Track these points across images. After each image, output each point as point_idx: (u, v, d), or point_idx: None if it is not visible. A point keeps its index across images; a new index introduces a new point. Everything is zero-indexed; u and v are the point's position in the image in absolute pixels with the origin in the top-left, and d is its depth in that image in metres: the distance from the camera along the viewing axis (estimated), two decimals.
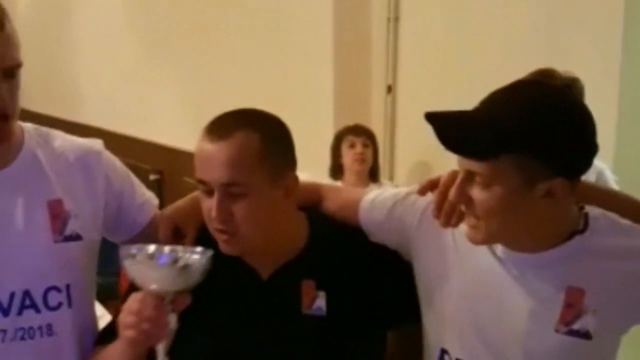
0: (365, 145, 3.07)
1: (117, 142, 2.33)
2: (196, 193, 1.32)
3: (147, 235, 1.37)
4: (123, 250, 1.12)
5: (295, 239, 1.29)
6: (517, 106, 1.08)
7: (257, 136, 1.20)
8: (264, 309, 1.24)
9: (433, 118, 1.09)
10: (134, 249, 1.12)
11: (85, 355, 1.32)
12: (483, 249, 1.21)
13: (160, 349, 1.12)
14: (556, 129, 1.06)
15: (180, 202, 1.39)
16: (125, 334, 1.12)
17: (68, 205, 1.29)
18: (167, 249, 1.13)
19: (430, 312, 1.28)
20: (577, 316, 1.14)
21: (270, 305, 1.25)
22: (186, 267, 1.10)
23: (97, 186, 1.34)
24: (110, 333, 1.27)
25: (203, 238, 1.27)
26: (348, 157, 3.08)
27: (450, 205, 1.18)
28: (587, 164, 1.12)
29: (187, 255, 1.11)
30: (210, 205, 1.20)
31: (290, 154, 1.27)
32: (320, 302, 1.25)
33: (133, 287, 1.28)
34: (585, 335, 1.14)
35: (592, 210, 1.19)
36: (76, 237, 1.29)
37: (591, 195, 1.23)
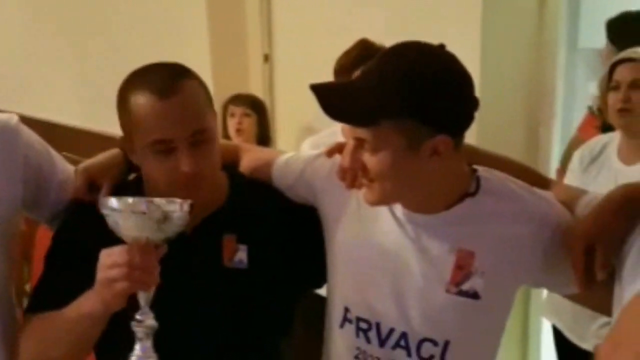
0: (245, 115, 3.00)
1: None
2: (114, 150, 1.33)
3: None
4: (102, 202, 1.10)
5: (217, 195, 1.31)
6: (391, 71, 1.11)
7: (198, 83, 1.24)
8: (186, 262, 1.25)
9: (317, 89, 1.12)
10: (113, 201, 1.10)
11: (10, 345, 1.27)
12: (384, 211, 1.25)
13: (146, 297, 1.12)
14: (429, 88, 1.09)
15: (95, 157, 1.37)
16: (116, 287, 1.09)
17: None
18: (145, 199, 1.12)
19: (334, 271, 1.32)
20: (466, 277, 1.19)
21: (192, 259, 1.27)
22: (167, 216, 1.09)
23: (15, 166, 1.28)
24: (44, 300, 1.24)
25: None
26: (230, 127, 3.04)
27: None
28: (467, 118, 1.15)
29: (166, 204, 1.11)
30: (173, 165, 1.19)
31: None
32: (242, 255, 1.28)
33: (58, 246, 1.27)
34: (474, 295, 1.19)
35: (484, 172, 1.23)
36: None
37: (479, 158, 1.28)
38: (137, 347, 1.11)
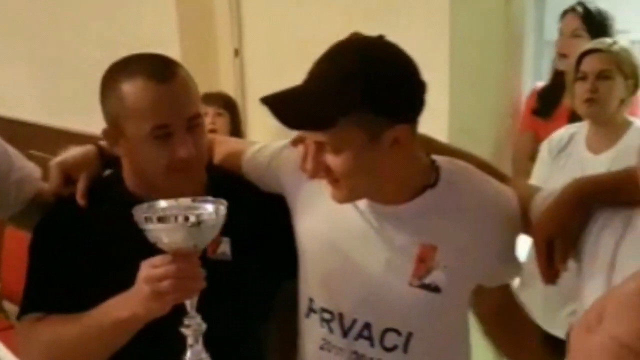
0: (218, 114, 2.90)
1: None
2: (88, 146, 1.32)
3: (37, 206, 1.34)
4: (138, 215, 1.06)
5: (195, 188, 1.30)
6: (340, 70, 1.10)
7: (187, 71, 1.24)
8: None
9: (267, 101, 1.10)
10: (145, 213, 1.06)
11: None
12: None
13: (192, 302, 1.10)
14: (383, 80, 1.09)
15: (71, 152, 1.35)
16: (167, 299, 1.08)
17: None
18: (175, 205, 1.09)
19: (301, 262, 1.33)
20: (428, 271, 1.20)
21: None
22: (208, 223, 1.07)
23: None
24: (43, 300, 1.23)
25: (99, 192, 1.26)
26: None
27: None
28: (420, 103, 1.15)
29: (200, 206, 1.09)
30: (169, 151, 1.19)
31: None
32: (225, 247, 1.29)
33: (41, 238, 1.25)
34: (435, 289, 1.20)
35: (444, 163, 1.24)
36: None
37: (438, 150, 1.29)
38: (189, 353, 1.10)
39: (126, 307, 1.13)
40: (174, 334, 1.10)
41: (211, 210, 1.10)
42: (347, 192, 1.18)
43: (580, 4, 2.57)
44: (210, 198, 1.11)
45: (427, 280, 1.20)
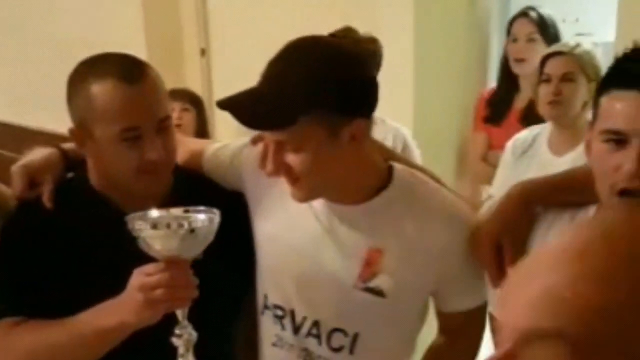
0: (184, 110, 2.87)
1: None
2: (50, 149, 1.31)
3: None
4: (131, 223, 1.05)
5: (163, 190, 1.29)
6: (295, 69, 1.11)
7: (156, 71, 1.23)
8: (140, 255, 1.20)
9: (226, 104, 1.11)
10: (140, 222, 1.05)
11: None
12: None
13: (183, 311, 1.09)
14: (337, 77, 1.10)
15: (34, 155, 1.33)
16: (160, 308, 1.07)
17: None
18: (168, 215, 1.08)
19: (258, 259, 1.34)
20: (374, 275, 1.20)
21: (145, 252, 1.25)
22: (194, 229, 1.06)
23: None
24: (16, 305, 1.21)
25: (64, 193, 1.26)
26: None
27: None
28: (374, 98, 1.17)
29: (193, 217, 1.08)
30: (138, 153, 1.18)
31: None
32: None
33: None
34: (380, 293, 1.20)
35: (402, 170, 1.25)
36: None
37: (397, 161, 1.29)
38: None
39: (114, 314, 1.12)
40: (161, 343, 1.09)
41: (204, 218, 1.09)
42: (306, 191, 1.19)
43: (532, 8, 2.61)
44: (202, 208, 1.11)
45: (372, 284, 1.21)
